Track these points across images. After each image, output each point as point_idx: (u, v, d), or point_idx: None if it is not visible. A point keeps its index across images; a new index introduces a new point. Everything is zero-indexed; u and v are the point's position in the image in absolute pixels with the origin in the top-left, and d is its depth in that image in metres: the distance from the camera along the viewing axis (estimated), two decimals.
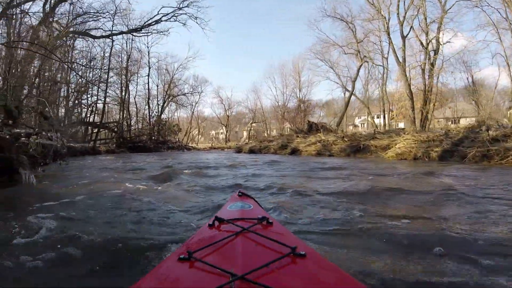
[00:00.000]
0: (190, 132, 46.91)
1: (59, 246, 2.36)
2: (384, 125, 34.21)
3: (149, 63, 39.96)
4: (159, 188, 5.64)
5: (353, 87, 38.54)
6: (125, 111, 37.10)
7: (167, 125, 38.68)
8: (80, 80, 31.33)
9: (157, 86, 42.54)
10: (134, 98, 41.13)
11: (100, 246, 2.39)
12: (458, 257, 2.10)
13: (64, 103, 30.87)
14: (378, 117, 39.59)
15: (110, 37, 32.18)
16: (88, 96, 33.27)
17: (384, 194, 4.57)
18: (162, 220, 3.21)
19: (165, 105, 41.79)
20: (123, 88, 37.30)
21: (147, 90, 40.04)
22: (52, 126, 11.20)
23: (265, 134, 49.88)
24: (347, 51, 36.75)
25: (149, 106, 39.70)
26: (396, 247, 2.35)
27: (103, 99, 33.14)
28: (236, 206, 1.83)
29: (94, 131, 32.23)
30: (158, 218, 3.29)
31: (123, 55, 36.86)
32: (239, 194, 2.16)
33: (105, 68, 32.83)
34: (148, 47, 39.76)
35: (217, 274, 0.98)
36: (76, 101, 32.33)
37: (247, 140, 44.55)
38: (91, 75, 32.63)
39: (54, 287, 1.86)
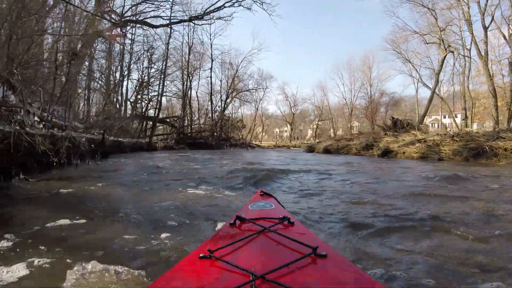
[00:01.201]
0: (254, 130, 44.37)
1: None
2: (466, 125, 28.83)
3: (211, 56, 38.10)
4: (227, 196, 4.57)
5: (437, 81, 33.57)
6: (186, 106, 35.60)
7: (230, 121, 36.60)
8: (141, 74, 30.23)
9: (221, 81, 40.61)
10: (196, 93, 39.49)
11: None
12: None
13: (125, 97, 29.92)
14: (448, 117, 35.54)
15: (169, 26, 30.48)
16: (149, 90, 32.07)
17: None
18: None
19: (228, 100, 39.69)
20: (185, 82, 35.80)
21: (209, 84, 38.31)
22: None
23: (331, 133, 46.09)
24: (429, 41, 32.45)
25: (211, 101, 37.86)
26: None
27: (160, 93, 31.62)
28: (257, 205, 1.82)
29: (153, 127, 30.82)
30: None
31: (184, 47, 35.40)
32: (261, 193, 2.13)
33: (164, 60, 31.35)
34: (210, 39, 37.90)
35: (237, 273, 0.97)
36: (138, 96, 31.29)
37: (312, 139, 41.17)
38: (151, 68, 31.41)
39: None
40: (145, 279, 1.83)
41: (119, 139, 18.18)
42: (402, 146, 15.16)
